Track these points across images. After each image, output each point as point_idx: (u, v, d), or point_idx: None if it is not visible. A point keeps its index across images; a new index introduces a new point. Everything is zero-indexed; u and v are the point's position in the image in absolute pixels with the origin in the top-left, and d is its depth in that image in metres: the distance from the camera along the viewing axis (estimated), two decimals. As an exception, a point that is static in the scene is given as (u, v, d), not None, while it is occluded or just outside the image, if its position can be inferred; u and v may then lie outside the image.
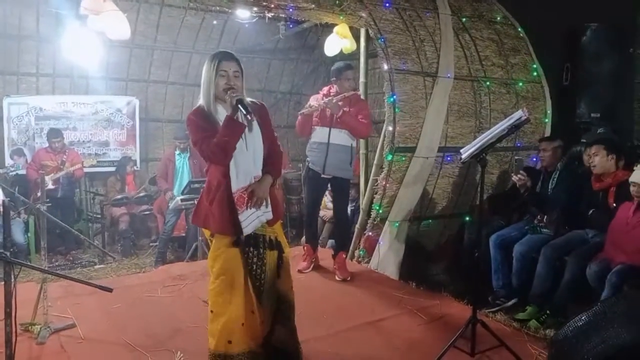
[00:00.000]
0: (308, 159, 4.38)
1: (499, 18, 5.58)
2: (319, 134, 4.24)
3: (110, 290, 3.25)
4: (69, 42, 4.85)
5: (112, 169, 6.51)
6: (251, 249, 2.49)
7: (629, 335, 2.17)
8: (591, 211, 3.78)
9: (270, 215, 2.58)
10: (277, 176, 2.66)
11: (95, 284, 3.30)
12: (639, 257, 3.31)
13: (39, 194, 4.09)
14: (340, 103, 4.13)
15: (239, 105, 2.39)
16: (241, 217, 2.45)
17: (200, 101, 2.50)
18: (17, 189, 5.57)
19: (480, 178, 3.01)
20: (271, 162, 2.61)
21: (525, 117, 2.90)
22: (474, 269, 3.29)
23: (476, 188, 4.87)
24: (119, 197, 5.96)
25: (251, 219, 2.49)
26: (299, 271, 4.35)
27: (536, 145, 4.84)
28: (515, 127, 2.95)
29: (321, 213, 5.25)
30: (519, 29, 5.61)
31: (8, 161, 6.13)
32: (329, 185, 4.46)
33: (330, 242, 5.13)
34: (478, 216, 3.46)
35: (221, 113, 2.47)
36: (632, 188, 3.45)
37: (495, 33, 5.45)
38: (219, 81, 2.44)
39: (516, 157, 5.16)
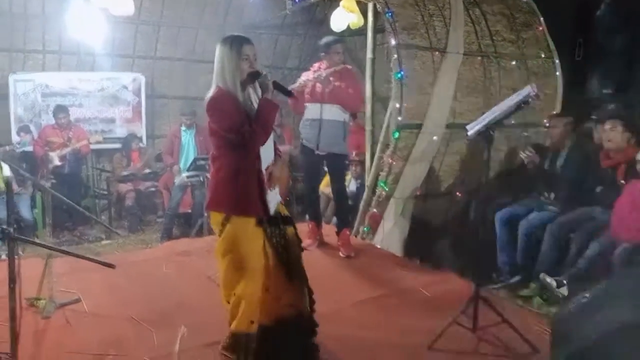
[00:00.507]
0: (302, 135, 4.35)
1: (510, -9, 5.43)
2: (311, 110, 4.19)
3: (113, 266, 3.28)
4: (74, 18, 4.82)
5: (118, 145, 6.52)
6: (272, 228, 2.53)
7: (633, 313, 2.14)
8: (599, 189, 3.73)
9: (279, 197, 2.65)
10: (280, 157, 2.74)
11: (98, 260, 3.33)
12: (642, 233, 3.26)
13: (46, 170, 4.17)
14: (331, 78, 4.07)
15: (278, 88, 2.47)
16: (268, 197, 2.51)
17: (219, 84, 2.47)
18: (24, 165, 5.62)
19: (487, 154, 2.96)
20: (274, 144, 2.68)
21: (534, 93, 2.83)
22: (479, 246, 3.25)
23: (484, 165, 4.81)
24: (125, 173, 5.98)
25: (271, 200, 2.53)
26: (304, 248, 4.33)
27: (546, 122, 4.75)
28: (523, 103, 2.88)
29: (326, 190, 5.22)
30: (531, 3, 5.46)
31: (15, 138, 6.15)
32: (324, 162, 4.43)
33: (335, 218, 5.12)
34: (484, 193, 3.43)
35: (252, 93, 2.51)
36: (639, 165, 3.39)
37: (507, 7, 5.31)
38: (243, 65, 2.44)
39: (524, 134, 5.08)
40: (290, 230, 2.62)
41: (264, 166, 2.51)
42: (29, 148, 6.00)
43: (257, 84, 2.51)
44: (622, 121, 3.71)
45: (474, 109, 4.85)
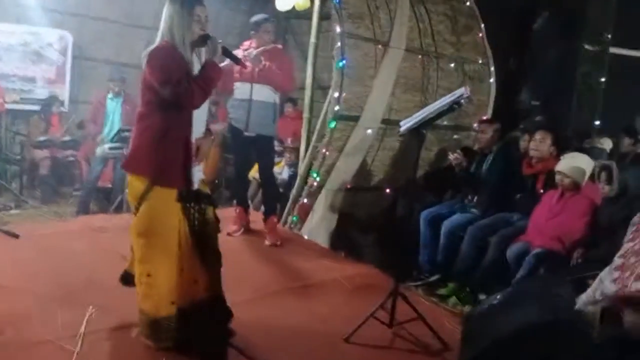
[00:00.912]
0: (230, 115, 4.23)
1: (456, -6, 5.53)
2: (241, 90, 4.07)
3: (16, 236, 3.05)
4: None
5: (37, 107, 6.04)
6: (193, 204, 2.41)
7: (537, 314, 2.25)
8: (519, 196, 3.89)
9: (202, 173, 2.56)
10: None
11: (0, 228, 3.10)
12: (557, 243, 3.44)
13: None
14: (262, 58, 3.98)
15: (227, 54, 2.42)
16: (195, 169, 2.43)
17: (166, 39, 2.37)
18: None
19: (417, 152, 2.99)
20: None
21: (466, 95, 2.87)
22: (402, 243, 3.30)
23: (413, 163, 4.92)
24: (42, 139, 5.55)
25: (194, 174, 2.45)
26: (228, 234, 4.24)
27: (476, 127, 4.91)
28: (456, 104, 2.92)
29: (257, 175, 5.12)
30: (474, 8, 5.59)
31: None
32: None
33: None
34: (411, 191, 3.50)
35: (195, 60, 2.42)
36: (557, 176, 3.57)
37: (451, 9, 5.41)
38: (194, 27, 2.35)
39: (455, 136, 5.22)
40: (210, 210, 2.51)
41: (196, 136, 2.43)
42: None
43: (201, 51, 2.44)
44: (552, 134, 3.89)
45: (410, 106, 4.90)
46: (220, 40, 2.40)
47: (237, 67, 3.95)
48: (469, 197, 4.23)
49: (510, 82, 5.53)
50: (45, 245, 3.64)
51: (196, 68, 2.43)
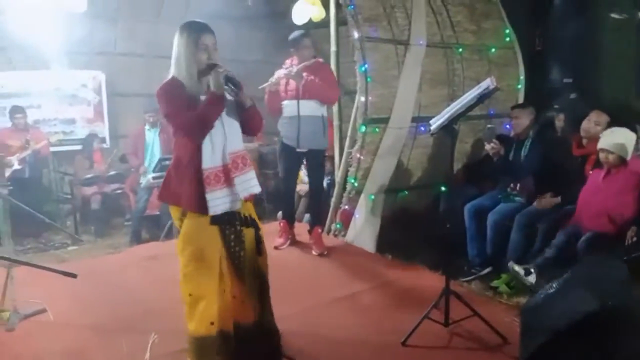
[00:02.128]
0: (281, 134, 4.32)
1: (470, -18, 5.46)
2: (288, 108, 4.15)
3: (74, 276, 3.21)
4: (26, 13, 4.62)
5: (80, 147, 6.30)
6: (228, 227, 2.45)
7: (595, 301, 2.21)
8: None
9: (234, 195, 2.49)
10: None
11: (58, 270, 3.26)
12: (608, 223, 3.35)
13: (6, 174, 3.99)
14: (305, 74, 4.04)
15: (229, 83, 2.34)
16: (211, 196, 2.38)
17: (174, 74, 2.40)
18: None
19: (451, 148, 2.98)
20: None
21: (493, 86, 2.84)
22: (447, 240, 3.28)
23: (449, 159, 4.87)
24: (89, 176, 5.79)
25: (222, 198, 2.42)
26: (275, 247, 4.32)
27: (509, 113, 4.83)
28: (483, 96, 2.90)
29: (297, 187, 5.18)
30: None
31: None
32: (304, 159, 4.40)
33: (307, 216, 5.09)
34: (450, 186, 3.47)
35: (202, 89, 2.39)
36: (601, 155, 3.47)
37: (468, -3, 5.34)
38: (200, 56, 2.35)
39: (488, 125, 5.15)
40: (249, 231, 2.52)
41: (219, 160, 2.39)
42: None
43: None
44: (612, 117, 3.76)
45: (438, 101, 4.88)
46: (222, 69, 2.32)
47: (283, 87, 4.05)
48: (512, 186, 4.16)
49: (539, 63, 5.40)
50: (102, 279, 3.81)
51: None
